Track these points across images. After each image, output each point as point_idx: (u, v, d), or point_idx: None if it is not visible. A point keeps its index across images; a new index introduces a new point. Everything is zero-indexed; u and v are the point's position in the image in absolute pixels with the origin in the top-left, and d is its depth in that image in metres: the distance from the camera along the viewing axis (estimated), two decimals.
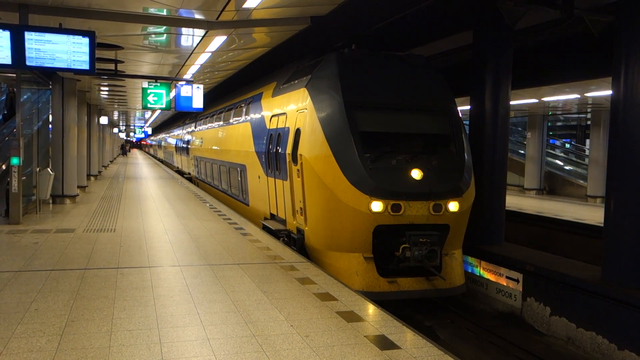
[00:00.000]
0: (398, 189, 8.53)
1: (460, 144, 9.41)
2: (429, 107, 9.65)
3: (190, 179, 26.86)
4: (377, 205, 8.41)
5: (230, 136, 16.59)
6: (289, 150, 10.22)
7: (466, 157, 9.36)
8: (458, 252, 9.39)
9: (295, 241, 10.03)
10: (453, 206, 8.81)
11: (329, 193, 8.72)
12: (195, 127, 25.79)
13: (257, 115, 13.45)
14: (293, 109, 10.51)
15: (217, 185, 19.64)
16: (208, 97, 22.83)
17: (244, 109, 15.23)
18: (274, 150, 11.30)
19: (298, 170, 9.67)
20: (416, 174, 8.72)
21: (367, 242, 8.65)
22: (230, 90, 21.08)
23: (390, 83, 9.65)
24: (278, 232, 10.79)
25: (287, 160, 10.27)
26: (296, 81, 11.00)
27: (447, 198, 8.76)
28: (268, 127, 12.17)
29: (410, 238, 8.48)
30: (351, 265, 8.69)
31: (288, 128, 10.56)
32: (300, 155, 9.53)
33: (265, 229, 11.64)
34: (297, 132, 9.92)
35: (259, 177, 12.73)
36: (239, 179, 15.20)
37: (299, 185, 9.67)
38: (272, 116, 11.99)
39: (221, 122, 18.72)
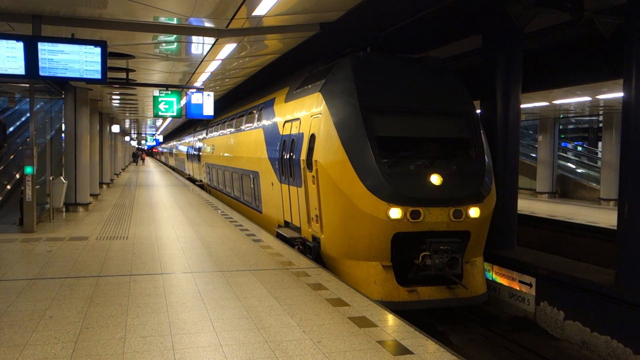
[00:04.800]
0: (417, 194, 8.29)
1: (480, 147, 9.18)
2: (447, 110, 9.42)
3: (202, 186, 26.93)
4: (395, 212, 8.17)
5: (243, 143, 16.45)
6: (303, 156, 10.03)
7: (486, 160, 9.11)
8: (479, 259, 9.13)
9: (311, 249, 9.80)
10: (474, 212, 8.56)
11: (345, 200, 8.50)
12: (206, 134, 25.78)
13: (270, 121, 13.29)
14: (307, 114, 10.34)
15: (229, 192, 19.49)
16: (219, 104, 22.91)
17: (256, 115, 15.06)
18: (288, 156, 11.10)
19: (313, 176, 9.47)
20: (435, 179, 8.49)
21: (385, 250, 8.40)
22: (241, 97, 21.10)
23: (407, 86, 9.43)
24: (293, 240, 10.57)
25: (302, 166, 10.07)
26: (310, 86, 10.81)
27: (467, 204, 8.51)
28: (281, 133, 11.99)
29: (430, 246, 8.21)
30: (369, 274, 8.43)
31: (302, 134, 10.37)
32: (315, 161, 9.33)
33: (279, 236, 11.43)
34: (312, 138, 9.72)
35: (272, 184, 12.55)
36: (252, 185, 15.00)
37: (314, 192, 9.47)
38: (286, 122, 11.81)
39: (233, 129, 18.62)
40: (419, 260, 8.30)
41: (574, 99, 16.85)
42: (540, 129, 23.68)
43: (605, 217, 15.65)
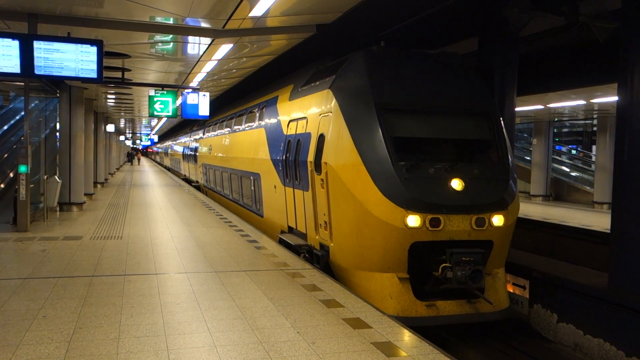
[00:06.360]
0: (437, 201, 7.66)
1: (504, 150, 8.56)
2: (467, 110, 8.82)
3: (198, 187, 26.66)
4: (413, 220, 7.53)
5: (243, 143, 15.74)
6: (310, 157, 9.36)
7: (510, 164, 8.52)
8: (501, 270, 8.48)
9: (319, 258, 9.15)
10: (497, 220, 7.93)
11: (358, 205, 7.85)
12: (203, 134, 25.31)
13: (273, 120, 12.65)
14: (315, 112, 9.68)
15: (227, 194, 18.82)
16: (216, 103, 22.81)
17: (258, 114, 14.41)
18: (293, 157, 10.43)
19: (322, 179, 8.82)
20: (456, 184, 7.87)
21: (402, 261, 7.73)
22: (238, 97, 20.80)
23: (425, 83, 8.82)
24: (298, 247, 9.91)
25: (309, 168, 9.41)
26: (318, 82, 10.14)
27: (491, 211, 7.89)
28: (285, 133, 11.33)
29: (452, 257, 7.55)
30: (384, 286, 7.77)
31: (309, 134, 9.72)
32: (325, 163, 8.68)
33: (283, 243, 10.77)
34: (321, 138, 9.06)
35: (275, 187, 11.89)
36: (252, 188, 14.33)
37: (323, 196, 8.82)
38: (290, 121, 11.14)
39: (232, 129, 17.94)
40: (439, 272, 7.67)
41: (569, 103, 16.93)
42: (535, 132, 23.80)
43: (599, 220, 15.72)
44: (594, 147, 26.81)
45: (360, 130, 8.14)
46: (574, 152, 30.99)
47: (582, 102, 16.40)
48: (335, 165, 8.38)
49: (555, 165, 25.07)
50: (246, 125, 15.81)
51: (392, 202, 7.58)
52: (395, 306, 7.64)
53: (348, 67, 9.15)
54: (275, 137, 12.18)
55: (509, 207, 8.11)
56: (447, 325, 8.19)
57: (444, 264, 7.63)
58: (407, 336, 5.44)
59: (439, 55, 9.55)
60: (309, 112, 10.07)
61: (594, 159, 24.56)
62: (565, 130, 36.04)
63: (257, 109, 14.77)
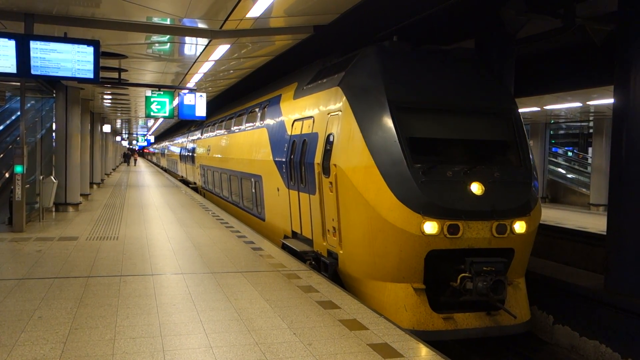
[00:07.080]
0: (455, 206, 7.22)
1: (525, 151, 8.14)
2: (486, 109, 8.38)
3: (196, 188, 26.46)
4: (430, 226, 7.10)
5: (243, 143, 15.26)
6: (318, 159, 8.89)
7: (532, 166, 8.12)
8: (522, 280, 8.02)
9: (327, 266, 8.65)
10: (519, 227, 7.50)
11: (370, 211, 7.41)
12: (201, 135, 24.91)
13: (276, 120, 12.21)
14: (322, 111, 9.24)
15: (226, 196, 18.34)
16: (215, 103, 22.73)
17: (259, 114, 13.94)
18: (298, 159, 9.95)
19: (330, 182, 8.35)
20: (476, 188, 7.43)
21: (417, 270, 7.29)
22: (236, 97, 20.59)
23: (440, 81, 8.39)
24: (304, 254, 9.41)
25: (316, 171, 8.94)
26: (325, 80, 9.67)
27: (512, 217, 7.45)
28: (289, 133, 10.85)
29: (472, 266, 7.08)
30: (398, 298, 7.32)
31: (316, 134, 9.26)
32: (334, 165, 8.21)
33: (286, 248, 10.26)
34: (329, 139, 8.64)
35: (278, 190, 11.39)
36: (253, 190, 13.87)
37: (332, 200, 8.36)
38: (295, 120, 10.67)
39: (232, 129, 17.47)
40: (457, 282, 7.20)
41: (565, 105, 16.98)
42: (531, 134, 23.84)
43: (595, 222, 15.76)
44: (590, 149, 26.88)
45: (372, 130, 7.69)
46: (570, 154, 31.08)
47: (578, 104, 16.44)
48: (346, 168, 7.94)
49: (552, 167, 25.13)
50: (247, 125, 15.36)
51: (407, 207, 7.15)
52: (410, 319, 7.20)
53: (359, 63, 8.69)
54: (278, 138, 11.72)
55: (531, 212, 7.69)
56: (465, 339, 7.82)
57: (463, 274, 7.19)
58: (403, 338, 5.44)
59: (455, 51, 9.18)
60: (316, 111, 9.64)
61: (590, 161, 24.62)
62: (561, 132, 36.13)
63: (258, 109, 14.35)
